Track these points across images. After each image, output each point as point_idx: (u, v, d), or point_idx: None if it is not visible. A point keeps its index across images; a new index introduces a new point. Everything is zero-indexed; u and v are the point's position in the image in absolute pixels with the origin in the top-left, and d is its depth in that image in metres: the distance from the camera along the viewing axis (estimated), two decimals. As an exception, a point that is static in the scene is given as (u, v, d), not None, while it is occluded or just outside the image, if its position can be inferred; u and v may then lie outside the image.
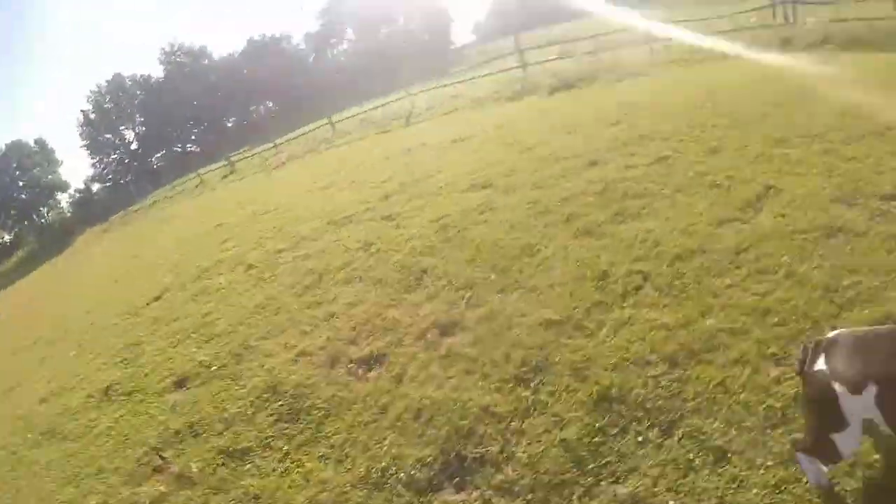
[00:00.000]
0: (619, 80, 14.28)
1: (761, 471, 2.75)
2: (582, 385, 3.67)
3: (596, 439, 3.25)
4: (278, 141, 26.45)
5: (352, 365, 4.81)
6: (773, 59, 13.49)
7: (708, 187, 5.97)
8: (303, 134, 25.78)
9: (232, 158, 29.01)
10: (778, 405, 3.10)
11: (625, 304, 4.36)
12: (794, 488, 2.63)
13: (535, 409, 3.63)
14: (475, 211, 7.04)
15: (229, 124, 60.27)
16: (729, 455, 2.89)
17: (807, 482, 2.57)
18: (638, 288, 4.52)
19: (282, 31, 76.97)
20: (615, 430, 3.27)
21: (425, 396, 4.07)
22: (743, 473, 2.77)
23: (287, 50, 60.34)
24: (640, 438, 3.16)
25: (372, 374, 4.61)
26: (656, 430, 3.17)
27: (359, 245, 7.23)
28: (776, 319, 3.76)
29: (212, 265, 9.26)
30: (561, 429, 3.40)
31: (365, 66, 48.39)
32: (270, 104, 60.92)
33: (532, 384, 3.83)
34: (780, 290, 4.03)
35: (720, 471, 2.83)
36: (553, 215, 6.24)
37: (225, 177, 27.49)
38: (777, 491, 2.64)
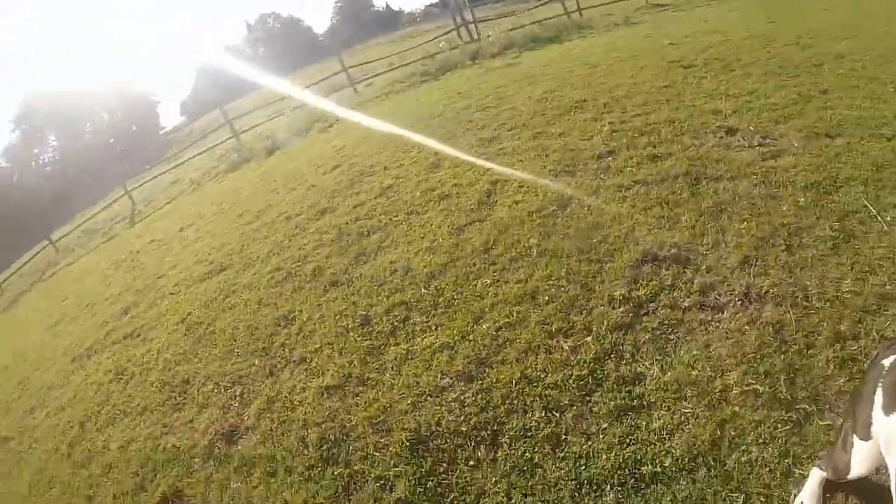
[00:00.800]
0: (330, 126, 15.03)
1: (602, 444, 2.92)
2: (390, 438, 3.54)
3: (429, 484, 3.12)
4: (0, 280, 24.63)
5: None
6: (468, 73, 15.20)
7: (438, 201, 6.47)
8: (25, 263, 24.20)
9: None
10: (584, 372, 3.33)
11: (397, 341, 4.39)
12: (638, 436, 2.86)
13: (354, 484, 3.40)
14: (218, 299, 6.83)
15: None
16: (565, 437, 3.01)
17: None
18: (404, 320, 4.61)
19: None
20: (443, 467, 3.18)
21: (238, 519, 3.66)
22: (586, 450, 2.91)
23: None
24: (471, 462, 3.12)
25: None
26: (482, 448, 3.16)
27: (110, 376, 6.59)
28: (546, 297, 4.11)
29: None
30: (391, 490, 3.22)
31: (76, 170, 44.31)
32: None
33: (340, 459, 3.60)
34: (538, 270, 4.45)
35: (561, 455, 2.93)
36: (297, 278, 6.19)
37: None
38: (623, 445, 2.87)
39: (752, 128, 5.74)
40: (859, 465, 1.99)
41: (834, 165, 4.65)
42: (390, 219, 6.53)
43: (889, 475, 1.75)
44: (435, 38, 21.30)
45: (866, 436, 1.86)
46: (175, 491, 4.22)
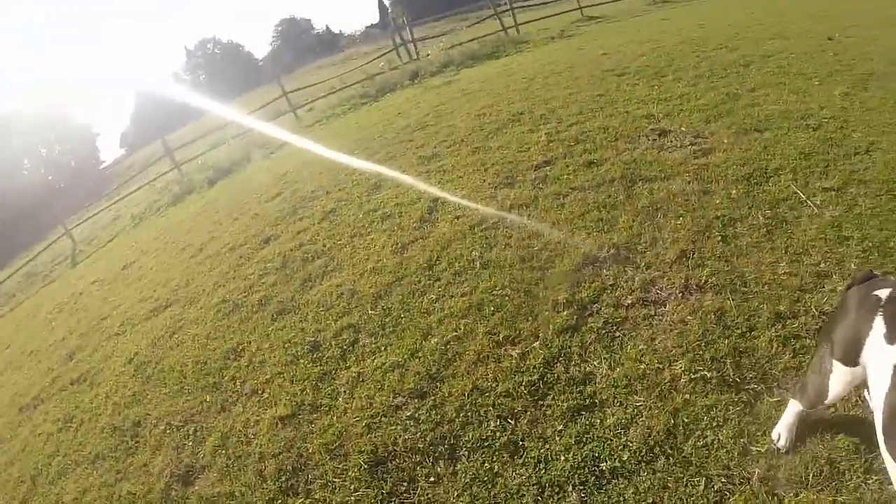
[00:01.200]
0: (272, 153, 14.91)
1: (559, 445, 2.94)
2: (348, 462, 3.50)
3: (392, 504, 3.11)
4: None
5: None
6: (408, 93, 15.29)
7: (380, 221, 6.48)
8: (-36, 314, 22.55)
9: None
10: (535, 377, 3.36)
11: (348, 364, 4.35)
12: (594, 434, 2.88)
13: (315, 515, 3.34)
14: (165, 336, 6.63)
15: None
16: (522, 443, 3.03)
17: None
18: (353, 343, 4.58)
19: None
20: (404, 486, 3.14)
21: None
22: (544, 453, 2.93)
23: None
24: (431, 479, 3.09)
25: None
26: (441, 462, 3.14)
27: (59, 425, 6.29)
28: (492, 308, 4.15)
29: None
30: (353, 517, 3.18)
31: (14, 210, 42.59)
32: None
33: (300, 489, 3.54)
34: (482, 282, 4.49)
35: (520, 461, 2.94)
36: (244, 309, 6.08)
37: None
38: (580, 444, 2.89)
39: (683, 129, 5.93)
40: (837, 388, 2.06)
41: (763, 157, 4.84)
42: (334, 242, 6.49)
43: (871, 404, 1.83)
44: (374, 59, 21.41)
45: (852, 361, 1.93)
46: (133, 541, 4.10)
